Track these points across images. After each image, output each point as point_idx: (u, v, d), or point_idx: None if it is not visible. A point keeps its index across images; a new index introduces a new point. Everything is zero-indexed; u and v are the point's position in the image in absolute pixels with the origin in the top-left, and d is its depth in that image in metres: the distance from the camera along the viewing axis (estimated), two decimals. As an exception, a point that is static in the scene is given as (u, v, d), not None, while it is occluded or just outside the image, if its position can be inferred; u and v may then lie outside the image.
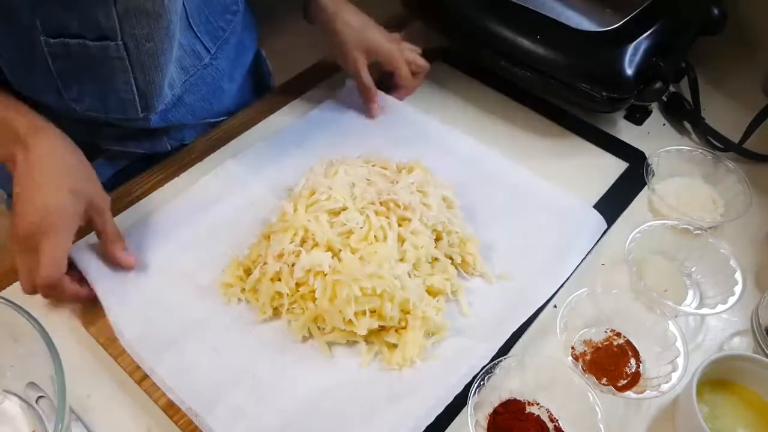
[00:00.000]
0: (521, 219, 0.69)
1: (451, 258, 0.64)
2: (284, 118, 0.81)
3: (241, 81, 0.81)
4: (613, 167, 0.78)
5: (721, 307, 0.61)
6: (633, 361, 0.59)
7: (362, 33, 0.77)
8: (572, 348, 0.60)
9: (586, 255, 0.67)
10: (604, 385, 0.56)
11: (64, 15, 0.55)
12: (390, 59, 0.78)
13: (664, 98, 0.86)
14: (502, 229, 0.68)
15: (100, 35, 0.57)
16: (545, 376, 0.56)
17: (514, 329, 0.59)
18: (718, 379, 0.57)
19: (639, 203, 0.74)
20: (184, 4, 0.64)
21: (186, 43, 0.68)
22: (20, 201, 0.56)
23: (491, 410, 0.55)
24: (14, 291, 0.62)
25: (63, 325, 0.60)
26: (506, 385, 0.56)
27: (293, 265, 0.59)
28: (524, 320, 0.60)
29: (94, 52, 0.58)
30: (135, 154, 0.77)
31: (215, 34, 0.72)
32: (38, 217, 0.55)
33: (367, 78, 0.78)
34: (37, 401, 0.54)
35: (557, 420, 0.55)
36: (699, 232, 0.66)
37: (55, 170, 0.57)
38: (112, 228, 0.62)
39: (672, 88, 0.87)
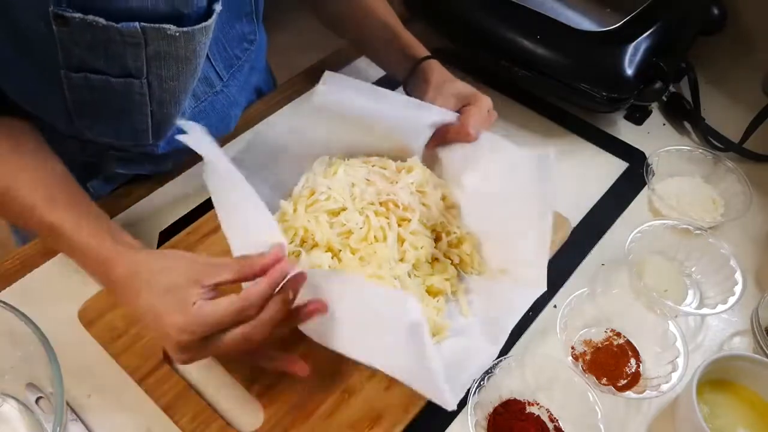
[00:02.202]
0: (505, 204, 0.64)
1: (450, 258, 0.64)
2: (284, 118, 0.81)
3: (245, 104, 0.80)
4: (613, 167, 0.78)
5: (721, 307, 0.61)
6: (633, 361, 0.59)
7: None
8: (572, 348, 0.60)
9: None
10: (604, 385, 0.56)
11: (90, 54, 0.53)
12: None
13: (664, 98, 0.86)
14: (493, 221, 0.65)
15: (125, 73, 0.55)
16: (545, 376, 0.56)
17: (515, 322, 0.58)
18: (718, 379, 0.57)
19: (639, 203, 0.74)
20: None
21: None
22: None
23: (491, 410, 0.55)
24: (11, 293, 0.62)
25: (63, 325, 0.60)
26: (506, 385, 0.56)
27: (293, 265, 0.59)
28: (523, 312, 0.59)
29: (115, 87, 0.56)
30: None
31: (230, 62, 0.71)
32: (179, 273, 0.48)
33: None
34: (36, 402, 0.54)
35: (557, 420, 0.55)
36: (699, 232, 0.66)
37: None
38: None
39: (672, 88, 0.87)
